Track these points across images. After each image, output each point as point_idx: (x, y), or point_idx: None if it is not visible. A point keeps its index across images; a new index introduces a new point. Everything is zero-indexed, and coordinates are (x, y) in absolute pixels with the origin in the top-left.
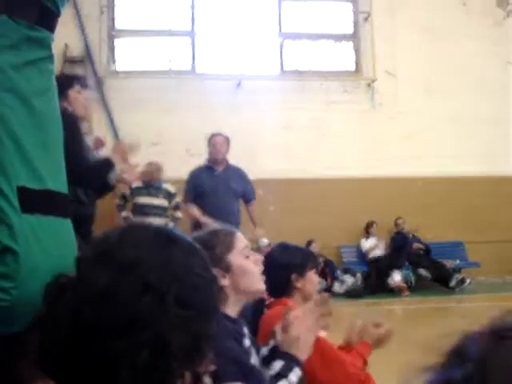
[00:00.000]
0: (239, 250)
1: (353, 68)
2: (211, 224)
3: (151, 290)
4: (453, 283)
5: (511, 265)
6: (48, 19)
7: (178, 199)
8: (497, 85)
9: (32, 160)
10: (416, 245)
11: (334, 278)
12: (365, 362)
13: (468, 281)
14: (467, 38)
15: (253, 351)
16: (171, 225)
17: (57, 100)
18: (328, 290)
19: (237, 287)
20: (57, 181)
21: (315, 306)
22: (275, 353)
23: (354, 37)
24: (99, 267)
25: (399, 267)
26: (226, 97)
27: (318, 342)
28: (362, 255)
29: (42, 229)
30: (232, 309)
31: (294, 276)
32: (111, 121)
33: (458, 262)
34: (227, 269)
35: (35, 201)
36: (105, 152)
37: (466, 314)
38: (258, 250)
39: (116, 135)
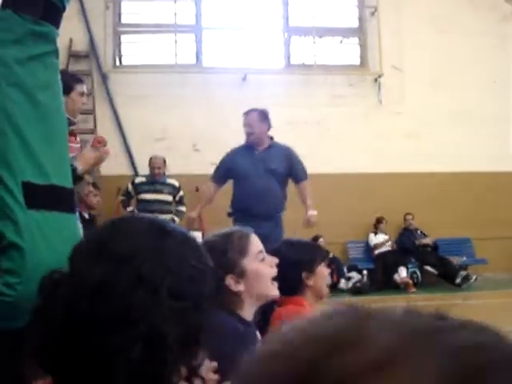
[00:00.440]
0: (254, 255)
1: (358, 62)
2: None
3: (144, 282)
4: (458, 280)
5: None
6: (53, 14)
7: (182, 193)
8: (505, 80)
9: (37, 155)
10: (423, 240)
11: (340, 275)
12: None
13: (473, 278)
14: (475, 33)
15: None
16: (176, 220)
17: (61, 94)
18: (334, 286)
19: (251, 292)
20: (61, 175)
21: None
22: None
23: (360, 31)
24: (93, 261)
25: (405, 264)
26: (231, 91)
27: None
28: (368, 251)
29: (47, 224)
30: (247, 313)
31: (304, 274)
32: (116, 115)
33: (464, 258)
34: (242, 274)
35: (40, 196)
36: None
37: (471, 310)
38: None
39: (121, 130)
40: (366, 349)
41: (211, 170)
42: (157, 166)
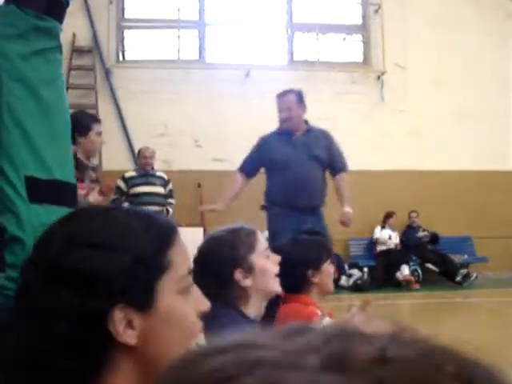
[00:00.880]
0: (260, 251)
1: (361, 60)
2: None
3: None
4: (459, 278)
5: None
6: (56, 9)
7: (171, 186)
8: (509, 79)
9: (39, 150)
10: (421, 233)
11: (342, 273)
12: None
13: (474, 276)
14: (478, 32)
15: None
16: (171, 211)
17: (64, 90)
18: (335, 283)
19: (257, 287)
20: (64, 170)
21: (360, 310)
22: None
23: (364, 29)
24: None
25: (408, 261)
26: (234, 87)
27: None
28: (369, 249)
29: (50, 218)
30: (252, 309)
31: (310, 272)
32: (118, 110)
33: (466, 256)
34: (250, 269)
35: (43, 190)
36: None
37: (472, 308)
38: None
39: (123, 125)
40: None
41: (213, 166)
42: (149, 156)
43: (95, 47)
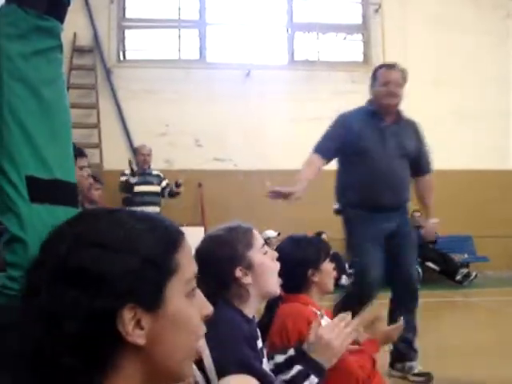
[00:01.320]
0: (258, 248)
1: (361, 59)
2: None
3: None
4: (459, 277)
5: None
6: (57, 9)
7: (166, 181)
8: (508, 78)
9: (40, 150)
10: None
11: (342, 272)
12: (374, 362)
13: (474, 275)
14: (478, 31)
15: (264, 353)
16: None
17: (65, 89)
18: (335, 283)
19: (258, 285)
20: (65, 170)
21: (361, 321)
22: (293, 360)
23: (364, 28)
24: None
25: None
26: (234, 86)
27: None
28: None
29: (51, 218)
30: (250, 308)
31: (310, 271)
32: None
33: (466, 256)
34: (249, 266)
35: (44, 190)
36: None
37: (472, 307)
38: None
39: (124, 124)
40: None
41: (214, 166)
42: (146, 153)
43: (96, 47)
